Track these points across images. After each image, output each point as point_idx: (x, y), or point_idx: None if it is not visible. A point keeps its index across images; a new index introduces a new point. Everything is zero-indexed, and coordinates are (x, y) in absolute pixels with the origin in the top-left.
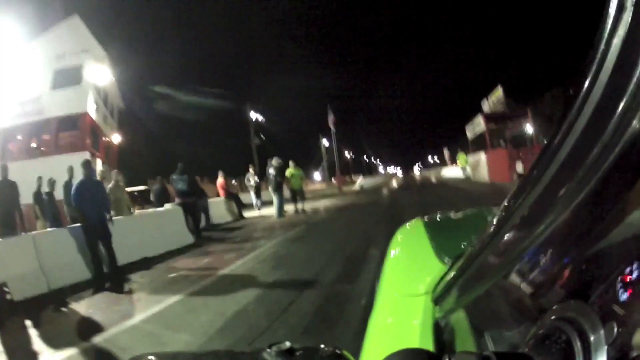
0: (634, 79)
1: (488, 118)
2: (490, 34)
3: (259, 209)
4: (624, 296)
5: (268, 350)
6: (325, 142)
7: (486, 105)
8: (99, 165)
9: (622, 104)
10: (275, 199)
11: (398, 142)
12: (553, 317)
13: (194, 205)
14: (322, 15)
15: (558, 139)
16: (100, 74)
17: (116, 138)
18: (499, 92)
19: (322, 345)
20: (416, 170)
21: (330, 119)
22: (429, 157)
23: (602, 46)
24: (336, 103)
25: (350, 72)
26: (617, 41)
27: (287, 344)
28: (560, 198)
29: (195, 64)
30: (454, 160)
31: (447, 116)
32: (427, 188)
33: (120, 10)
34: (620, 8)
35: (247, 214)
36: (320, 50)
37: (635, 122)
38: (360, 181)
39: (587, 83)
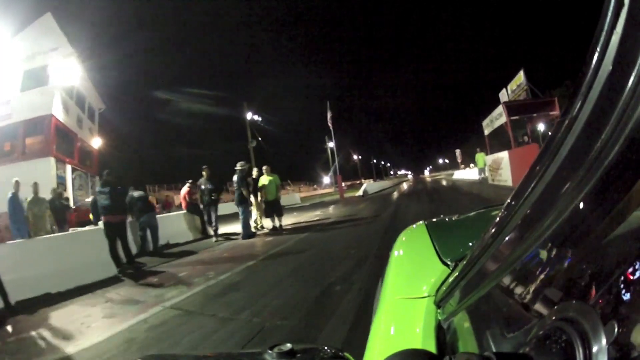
0: (633, 76)
1: (510, 108)
2: (503, 24)
3: (212, 229)
4: (625, 296)
5: (269, 351)
6: (331, 144)
7: (505, 97)
8: (68, 172)
9: (621, 101)
10: (239, 215)
11: (409, 144)
12: (554, 318)
13: (121, 225)
14: (324, 9)
15: (559, 137)
16: (69, 73)
17: (97, 142)
18: (520, 78)
19: (323, 347)
20: (427, 172)
21: (329, 117)
22: (440, 160)
23: (601, 43)
24: (345, 106)
25: (359, 73)
26: (615, 38)
27: (289, 345)
28: (561, 197)
29: (189, 63)
30: (466, 162)
31: (458, 117)
32: (439, 194)
33: (108, 10)
34: (619, 4)
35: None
36: (325, 49)
37: (635, 119)
38: (364, 186)
39: (586, 80)
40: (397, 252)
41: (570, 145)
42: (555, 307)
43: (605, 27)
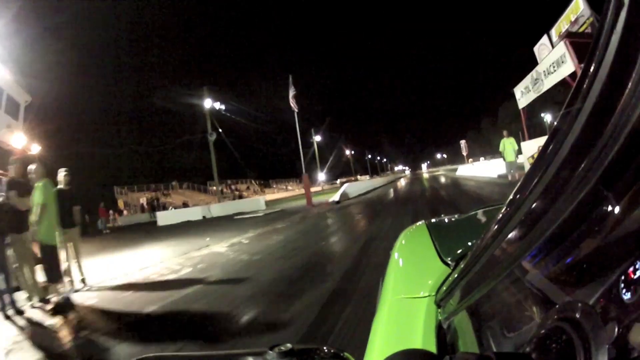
0: (633, 75)
1: (580, 47)
2: None
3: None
4: (626, 296)
5: (270, 351)
6: (317, 138)
7: (546, 49)
8: None
9: (621, 101)
10: None
11: (405, 139)
12: (554, 317)
13: None
14: (323, 4)
15: (559, 135)
16: None
17: (22, 140)
18: (578, 7)
19: (324, 347)
20: (424, 167)
21: (292, 93)
22: (437, 155)
23: (602, 42)
24: (342, 102)
25: (354, 66)
26: (615, 38)
27: (289, 345)
28: (562, 196)
29: (138, 48)
30: (473, 155)
31: (456, 112)
32: (444, 204)
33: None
34: (619, 5)
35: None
36: (317, 44)
37: (634, 118)
38: (344, 188)
39: (587, 80)
40: (397, 252)
41: (572, 142)
42: (556, 307)
43: (606, 26)
